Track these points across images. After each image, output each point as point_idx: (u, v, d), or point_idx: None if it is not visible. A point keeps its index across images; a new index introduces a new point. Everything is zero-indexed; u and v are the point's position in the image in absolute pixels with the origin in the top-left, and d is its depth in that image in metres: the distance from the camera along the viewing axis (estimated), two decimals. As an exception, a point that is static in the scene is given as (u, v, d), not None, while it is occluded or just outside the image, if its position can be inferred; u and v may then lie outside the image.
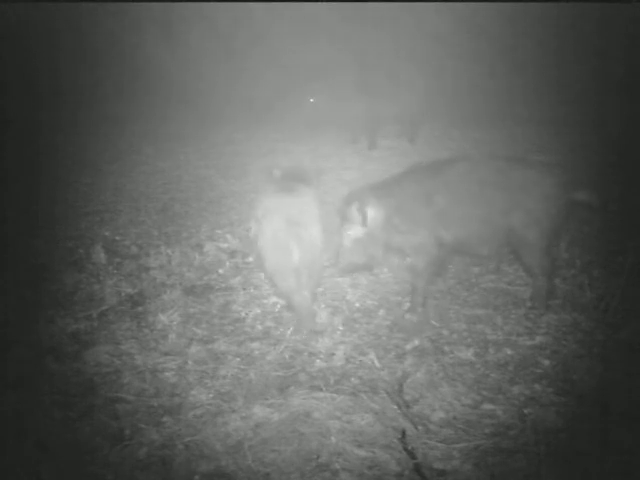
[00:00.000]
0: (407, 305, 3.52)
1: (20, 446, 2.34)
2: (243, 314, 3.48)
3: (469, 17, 10.64)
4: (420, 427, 2.46)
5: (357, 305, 3.58)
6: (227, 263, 4.16)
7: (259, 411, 2.55)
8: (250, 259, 4.19)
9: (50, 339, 3.17)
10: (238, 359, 3.00)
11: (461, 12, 10.65)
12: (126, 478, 2.23)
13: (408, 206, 3.32)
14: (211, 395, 2.70)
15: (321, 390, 2.69)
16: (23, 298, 3.61)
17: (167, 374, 2.88)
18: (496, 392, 2.68)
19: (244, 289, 3.76)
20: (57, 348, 3.09)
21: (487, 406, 2.58)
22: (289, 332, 3.25)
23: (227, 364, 2.96)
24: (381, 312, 3.48)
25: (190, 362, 2.97)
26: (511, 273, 3.92)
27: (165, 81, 11.03)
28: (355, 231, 3.31)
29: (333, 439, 2.36)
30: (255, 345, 3.13)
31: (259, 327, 3.33)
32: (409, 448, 2.32)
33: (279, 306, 3.56)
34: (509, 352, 3.00)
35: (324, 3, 11.23)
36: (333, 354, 3.01)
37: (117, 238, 4.77)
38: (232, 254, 4.30)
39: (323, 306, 3.53)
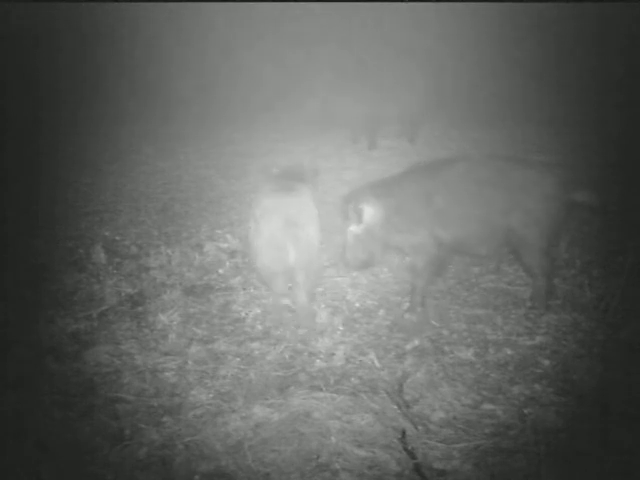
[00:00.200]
0: (407, 305, 3.52)
1: (20, 446, 2.34)
2: (243, 314, 3.48)
3: (469, 17, 10.64)
4: (420, 427, 2.46)
5: (357, 305, 3.58)
6: (227, 263, 4.16)
7: (259, 411, 2.55)
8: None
9: (50, 339, 3.17)
10: (238, 359, 3.00)
11: (461, 12, 10.66)
12: (126, 478, 2.23)
13: (407, 205, 3.35)
14: (211, 395, 2.71)
15: (321, 390, 2.69)
16: (23, 298, 3.61)
17: (167, 374, 2.88)
18: (496, 392, 2.68)
19: (244, 289, 3.75)
20: (57, 348, 3.09)
21: (487, 406, 2.58)
22: (289, 332, 3.26)
23: (227, 364, 2.96)
24: (381, 312, 3.48)
25: (190, 362, 2.97)
26: (511, 273, 3.92)
27: (165, 81, 11.02)
28: (353, 228, 3.36)
29: (333, 439, 2.36)
30: (255, 345, 3.13)
31: (259, 327, 3.33)
32: (409, 448, 2.32)
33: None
34: (509, 352, 3.00)
35: (324, 3, 11.24)
36: (333, 354, 3.01)
37: (117, 238, 4.77)
38: (232, 254, 4.30)
39: (323, 306, 3.53)
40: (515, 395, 2.66)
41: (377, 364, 2.93)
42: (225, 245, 4.45)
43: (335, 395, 2.64)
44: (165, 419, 2.53)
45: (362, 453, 2.30)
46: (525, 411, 2.53)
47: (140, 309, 3.52)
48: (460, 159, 3.48)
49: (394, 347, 3.10)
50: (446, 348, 3.06)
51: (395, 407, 2.57)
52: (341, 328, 3.28)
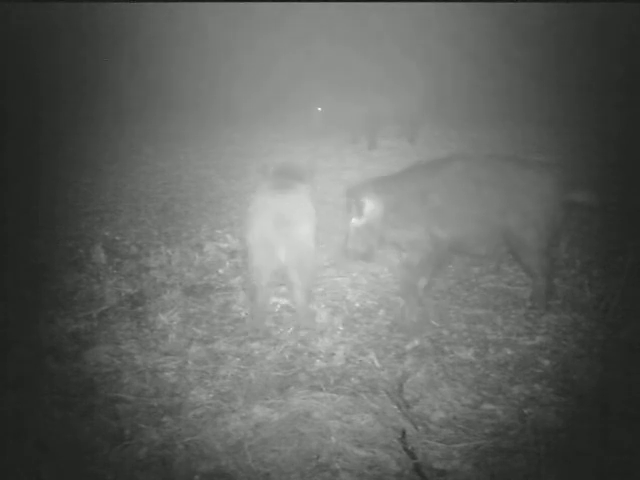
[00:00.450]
0: (402, 304, 3.52)
1: (20, 446, 2.34)
2: (243, 314, 3.48)
3: (469, 17, 10.65)
4: (420, 427, 2.46)
5: (357, 305, 3.58)
6: (227, 263, 4.16)
7: (259, 411, 2.55)
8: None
9: (50, 339, 3.17)
10: (238, 359, 3.00)
11: (461, 12, 10.66)
12: (126, 478, 2.23)
13: (405, 202, 3.40)
14: (211, 395, 2.70)
15: (321, 390, 2.69)
16: (23, 298, 3.61)
17: (167, 374, 2.88)
18: (496, 392, 2.68)
19: (244, 289, 3.75)
20: (57, 348, 3.09)
21: (487, 406, 2.58)
22: (289, 332, 3.26)
23: (227, 364, 2.96)
24: (381, 312, 3.48)
25: (190, 362, 2.97)
26: (511, 273, 3.92)
27: (165, 81, 11.03)
28: (355, 221, 3.44)
29: (333, 439, 2.36)
30: (255, 345, 3.13)
31: (259, 328, 3.33)
32: (409, 448, 2.32)
33: (279, 306, 3.56)
34: (509, 352, 3.00)
35: (324, 3, 11.24)
36: (333, 354, 3.01)
37: (117, 238, 4.77)
38: (232, 254, 4.30)
39: (323, 306, 3.53)
40: (515, 395, 2.65)
41: (377, 364, 2.93)
42: (225, 245, 4.45)
43: (335, 395, 2.64)
44: (165, 419, 2.53)
45: (362, 453, 2.29)
46: (525, 411, 2.52)
47: (140, 309, 3.52)
48: (458, 158, 3.50)
49: (394, 347, 3.09)
50: (446, 348, 3.06)
51: (395, 407, 2.57)
52: (341, 328, 3.28)
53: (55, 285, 3.83)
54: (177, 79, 11.04)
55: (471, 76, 10.17)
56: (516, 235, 3.32)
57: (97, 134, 9.08)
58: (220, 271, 4.06)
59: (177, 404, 2.64)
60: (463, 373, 2.84)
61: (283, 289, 3.67)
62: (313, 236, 3.20)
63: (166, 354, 3.05)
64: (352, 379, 2.80)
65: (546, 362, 2.90)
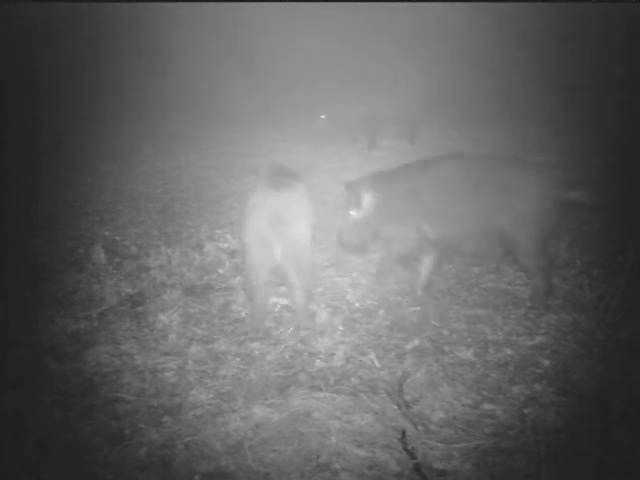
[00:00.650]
0: (407, 305, 3.53)
1: (20, 446, 2.34)
2: (243, 314, 3.48)
3: (469, 17, 10.64)
4: (420, 427, 2.46)
5: (357, 305, 3.58)
6: (227, 263, 4.16)
7: (259, 411, 2.55)
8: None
9: (50, 339, 3.17)
10: (238, 359, 3.00)
11: (461, 12, 10.66)
12: (126, 478, 2.23)
13: (398, 198, 3.50)
14: (211, 395, 2.70)
15: (321, 390, 2.69)
16: (23, 298, 3.61)
17: (167, 374, 2.88)
18: (496, 392, 2.68)
19: (244, 289, 3.75)
20: (57, 348, 3.09)
21: (487, 406, 2.58)
22: (289, 332, 3.26)
23: (227, 364, 2.96)
24: (381, 312, 3.48)
25: (190, 362, 2.97)
26: (511, 273, 3.92)
27: (165, 81, 11.02)
28: (353, 214, 3.55)
29: (333, 439, 2.36)
30: (255, 345, 3.13)
31: (258, 328, 3.33)
32: (409, 448, 2.32)
33: (279, 306, 3.56)
34: (509, 352, 3.00)
35: (325, 3, 11.24)
36: (333, 354, 3.01)
37: (117, 238, 4.77)
38: (232, 254, 4.30)
39: (323, 306, 3.53)
40: (515, 395, 2.65)
41: (377, 364, 2.93)
42: (225, 245, 4.45)
43: (335, 395, 2.64)
44: (165, 419, 2.53)
45: (362, 453, 2.29)
46: (525, 411, 2.52)
47: (140, 309, 3.52)
48: (451, 157, 3.55)
49: (394, 347, 3.09)
50: (446, 348, 3.06)
51: (395, 407, 2.57)
52: (341, 328, 3.28)
53: (55, 285, 3.83)
54: (177, 79, 11.03)
55: (471, 76, 10.17)
56: (510, 236, 3.35)
57: (97, 134, 9.08)
58: (220, 271, 4.06)
59: (177, 404, 2.64)
60: (463, 373, 2.84)
61: (283, 289, 3.67)
62: (310, 235, 3.20)
63: (166, 354, 3.05)
64: (352, 379, 2.80)
65: (546, 362, 2.90)
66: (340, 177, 6.20)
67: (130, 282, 3.85)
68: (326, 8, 11.31)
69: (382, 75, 8.04)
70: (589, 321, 3.22)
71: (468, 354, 2.98)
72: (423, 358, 2.96)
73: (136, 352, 3.06)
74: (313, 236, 3.26)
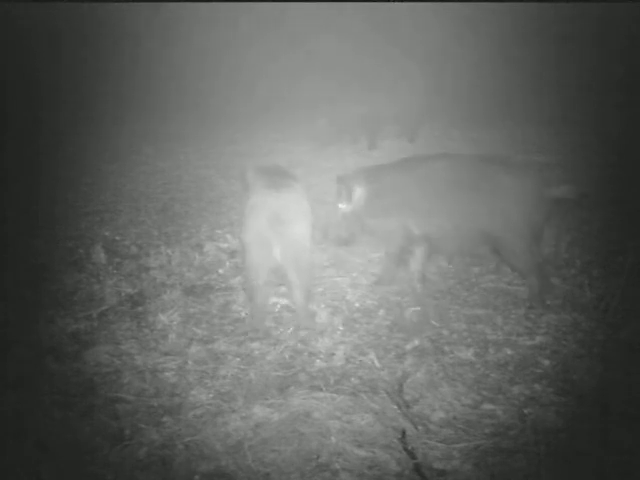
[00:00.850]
0: (407, 305, 3.53)
1: (20, 446, 2.34)
2: (243, 314, 3.48)
3: (469, 17, 10.64)
4: (420, 427, 2.45)
5: (357, 305, 3.58)
6: (227, 263, 4.16)
7: (259, 411, 2.55)
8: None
9: (50, 339, 3.17)
10: (238, 359, 3.00)
11: (461, 12, 10.66)
12: (126, 478, 2.23)
13: (386, 194, 3.59)
14: (211, 395, 2.70)
15: (321, 390, 2.69)
16: (23, 298, 3.61)
17: (167, 374, 2.88)
18: (496, 392, 2.68)
19: (244, 289, 3.75)
20: (57, 348, 3.09)
21: (487, 406, 2.58)
22: (289, 332, 3.26)
23: (227, 364, 2.96)
24: (381, 312, 3.48)
25: (190, 362, 2.97)
26: (511, 273, 3.91)
27: (165, 81, 11.03)
28: (343, 207, 3.63)
29: (333, 439, 2.36)
30: (255, 345, 3.13)
31: (258, 328, 3.33)
32: (409, 448, 2.32)
33: (279, 306, 3.56)
34: (509, 352, 3.00)
35: (325, 3, 11.23)
36: (333, 354, 3.01)
37: (117, 238, 4.77)
38: (232, 254, 4.30)
39: (323, 306, 3.53)
40: (515, 395, 2.65)
41: (377, 364, 2.93)
42: (225, 245, 4.45)
43: (335, 395, 2.64)
44: (165, 419, 2.53)
45: (362, 453, 2.29)
46: (525, 411, 2.52)
47: (140, 309, 3.52)
48: (440, 157, 3.62)
49: (394, 347, 3.09)
50: (446, 348, 3.06)
51: (395, 407, 2.57)
52: (341, 328, 3.28)
53: (55, 285, 3.83)
54: (177, 79, 11.04)
55: (471, 76, 10.17)
56: (494, 236, 3.40)
57: (97, 134, 9.08)
58: (220, 271, 4.06)
59: (177, 404, 2.64)
60: (463, 373, 2.83)
61: (283, 289, 3.67)
62: (309, 234, 3.21)
63: (166, 354, 3.05)
64: (352, 379, 2.80)
65: (546, 362, 2.90)
66: (340, 177, 6.21)
67: (130, 282, 3.85)
68: (326, 8, 11.31)
69: (382, 75, 8.04)
70: (589, 321, 3.22)
71: (468, 354, 2.98)
72: (423, 358, 2.96)
73: (136, 352, 3.06)
74: (313, 236, 3.27)
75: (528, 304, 3.45)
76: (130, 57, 11.27)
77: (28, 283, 3.82)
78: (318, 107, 7.88)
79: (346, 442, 2.34)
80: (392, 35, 10.58)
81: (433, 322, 3.33)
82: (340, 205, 3.65)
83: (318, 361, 2.96)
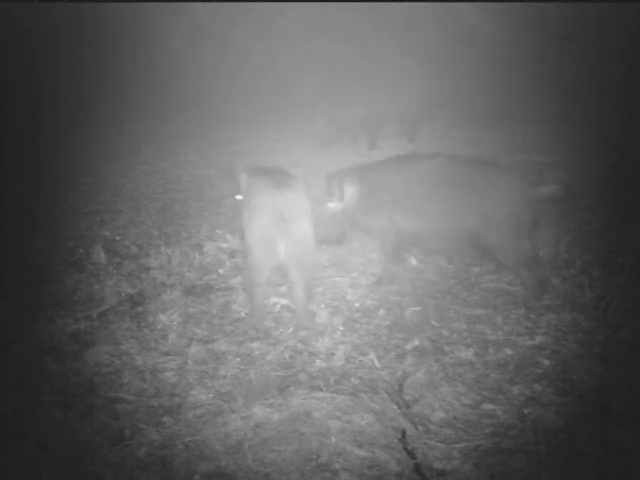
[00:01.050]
0: (407, 305, 3.53)
1: (20, 446, 2.34)
2: (243, 314, 3.48)
3: (469, 17, 10.64)
4: (420, 427, 2.46)
5: (357, 305, 3.58)
6: (227, 263, 4.16)
7: (259, 411, 2.55)
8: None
9: (50, 339, 3.17)
10: (238, 359, 3.00)
11: (461, 12, 10.65)
12: (126, 478, 2.23)
13: (376, 191, 3.64)
14: (211, 395, 2.70)
15: (321, 390, 2.69)
16: (23, 298, 3.61)
17: (167, 374, 2.88)
18: (496, 392, 2.68)
19: (244, 289, 3.75)
20: (57, 348, 3.09)
21: (487, 406, 2.58)
22: (289, 332, 3.26)
23: (227, 364, 2.96)
24: (381, 312, 3.48)
25: (190, 362, 2.97)
26: (511, 273, 3.91)
27: (165, 81, 11.02)
28: (333, 205, 3.66)
29: (333, 439, 2.36)
30: (255, 345, 3.13)
31: (258, 327, 3.33)
32: (409, 448, 2.32)
33: (279, 306, 3.56)
34: (509, 352, 3.00)
35: (325, 3, 11.23)
36: (333, 354, 3.01)
37: (117, 238, 4.77)
38: (232, 254, 4.30)
39: (323, 306, 3.53)
40: (515, 395, 2.65)
41: (377, 364, 2.93)
42: (225, 245, 4.45)
43: (335, 395, 2.64)
44: (165, 419, 2.53)
45: (362, 453, 2.30)
46: (525, 411, 2.52)
47: (140, 309, 3.52)
48: (427, 156, 3.68)
49: (394, 347, 3.09)
50: (446, 348, 3.06)
51: (395, 407, 2.57)
52: (341, 328, 3.28)
53: (55, 285, 3.83)
54: (177, 79, 11.03)
55: (471, 76, 10.16)
56: (480, 236, 3.43)
57: (97, 134, 9.08)
58: (220, 271, 4.06)
59: (177, 404, 2.64)
60: (463, 373, 2.84)
61: (283, 289, 3.67)
62: (312, 233, 3.23)
63: (166, 354, 3.05)
64: (352, 379, 2.80)
65: (546, 362, 2.90)
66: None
67: (130, 282, 3.85)
68: (326, 8, 11.31)
69: (382, 75, 8.04)
70: (589, 321, 3.22)
71: (468, 354, 2.98)
72: (423, 358, 2.96)
73: (136, 352, 3.06)
74: (314, 234, 3.28)
75: (526, 304, 3.45)
76: (130, 57, 11.26)
77: (28, 283, 3.82)
78: (318, 107, 7.87)
79: (346, 442, 2.35)
80: (392, 35, 10.57)
81: (433, 322, 3.33)
82: (330, 203, 3.68)
83: (318, 361, 2.97)
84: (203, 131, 9.41)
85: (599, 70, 9.88)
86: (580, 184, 5.53)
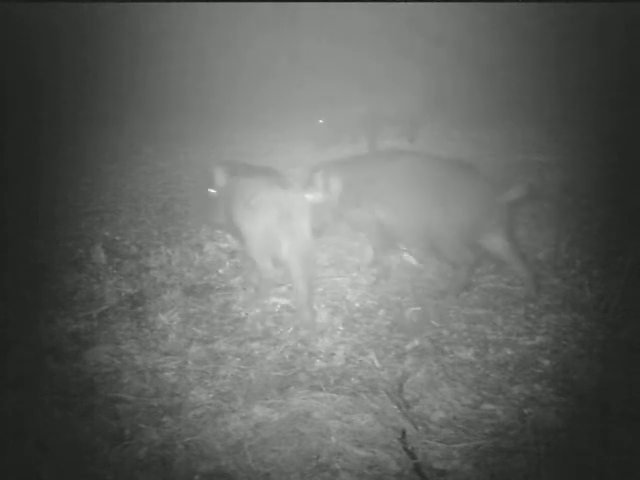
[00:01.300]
0: (407, 305, 3.53)
1: (20, 446, 2.34)
2: (243, 314, 3.48)
3: (469, 17, 10.64)
4: (420, 427, 2.46)
5: (357, 305, 3.58)
6: (227, 263, 4.16)
7: (259, 411, 2.55)
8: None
9: (50, 339, 3.17)
10: (238, 359, 3.00)
11: (461, 12, 10.66)
12: (126, 478, 2.23)
13: (358, 184, 3.73)
14: (211, 395, 2.70)
15: (321, 390, 2.69)
16: (23, 298, 3.61)
17: (167, 374, 2.88)
18: (496, 392, 2.68)
19: (244, 289, 3.75)
20: (57, 348, 3.09)
21: (487, 406, 2.58)
22: (289, 332, 3.26)
23: (227, 364, 2.96)
24: (381, 312, 3.48)
25: (190, 362, 2.97)
26: (511, 273, 3.91)
27: (165, 81, 11.02)
28: (315, 197, 3.61)
29: (333, 439, 2.36)
30: (255, 345, 3.13)
31: (259, 327, 3.33)
32: (409, 448, 2.32)
33: (279, 306, 3.56)
34: (509, 352, 3.00)
35: (325, 3, 11.23)
36: (333, 354, 3.01)
37: (117, 238, 4.77)
38: (232, 254, 4.30)
39: (323, 306, 3.53)
40: (515, 395, 2.65)
41: (377, 364, 2.93)
42: (225, 245, 4.45)
43: (335, 395, 2.64)
44: (165, 419, 2.53)
45: (362, 453, 2.30)
46: (525, 411, 2.52)
47: (140, 309, 3.52)
48: (407, 155, 3.84)
49: (394, 347, 3.09)
50: (446, 348, 3.06)
51: (395, 407, 2.57)
52: (341, 328, 3.28)
53: (55, 285, 3.83)
54: (177, 79, 11.03)
55: (471, 76, 10.16)
56: (435, 231, 3.53)
57: (97, 134, 9.08)
58: (220, 271, 4.06)
59: (177, 404, 2.64)
60: (463, 373, 2.84)
61: (283, 289, 3.67)
62: (311, 230, 3.32)
63: (166, 354, 3.05)
64: (352, 379, 2.80)
65: (546, 362, 2.90)
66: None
67: (130, 282, 3.85)
68: (326, 8, 11.31)
69: (382, 75, 8.04)
70: (589, 321, 3.22)
71: (468, 354, 2.98)
72: (423, 358, 2.96)
73: (136, 352, 3.06)
74: (313, 231, 3.35)
75: (526, 304, 3.48)
76: (130, 57, 11.25)
77: (28, 283, 3.81)
78: (318, 107, 7.87)
79: (346, 442, 2.35)
80: (391, 35, 10.57)
81: (433, 322, 3.33)
82: (310, 194, 3.66)
83: (318, 361, 2.97)
84: (203, 131, 9.41)
85: (599, 70, 9.88)
86: (580, 184, 5.54)
